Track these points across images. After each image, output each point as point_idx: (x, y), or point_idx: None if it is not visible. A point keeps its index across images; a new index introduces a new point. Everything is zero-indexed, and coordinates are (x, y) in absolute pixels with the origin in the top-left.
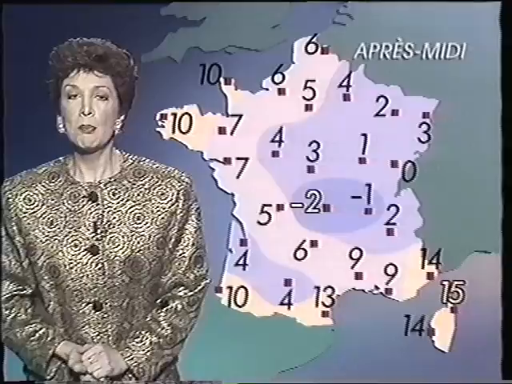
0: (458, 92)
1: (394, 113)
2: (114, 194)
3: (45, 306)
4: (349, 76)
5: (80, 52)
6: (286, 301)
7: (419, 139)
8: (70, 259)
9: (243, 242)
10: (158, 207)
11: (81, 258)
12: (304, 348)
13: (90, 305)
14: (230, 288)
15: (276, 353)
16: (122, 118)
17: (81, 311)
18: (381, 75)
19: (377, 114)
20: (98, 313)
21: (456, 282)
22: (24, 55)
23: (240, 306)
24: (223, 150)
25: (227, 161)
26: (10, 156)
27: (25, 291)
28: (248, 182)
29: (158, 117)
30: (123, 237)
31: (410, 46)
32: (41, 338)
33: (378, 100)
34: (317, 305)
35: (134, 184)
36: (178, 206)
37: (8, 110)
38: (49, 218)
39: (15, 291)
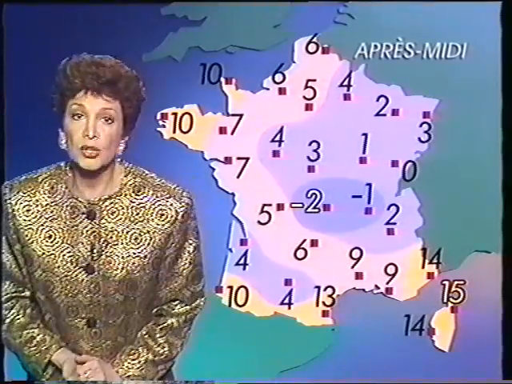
0: (459, 92)
1: (395, 112)
2: (112, 213)
3: (41, 314)
4: (349, 76)
5: (88, 73)
6: (286, 300)
7: (420, 139)
8: (66, 276)
9: (243, 242)
10: (155, 228)
11: (76, 276)
12: (304, 348)
13: (85, 320)
14: (231, 288)
15: (276, 353)
16: (126, 139)
17: (74, 326)
18: (381, 75)
19: (377, 114)
20: (90, 328)
21: (456, 282)
22: (25, 55)
23: (240, 306)
24: (224, 150)
25: (228, 160)
26: (10, 156)
27: (24, 293)
28: (248, 181)
29: (158, 116)
30: (119, 257)
31: (410, 46)
32: (38, 345)
33: (378, 100)
34: (317, 304)
35: (133, 202)
36: (175, 227)
37: (8, 109)
38: (47, 232)
39: (14, 293)
